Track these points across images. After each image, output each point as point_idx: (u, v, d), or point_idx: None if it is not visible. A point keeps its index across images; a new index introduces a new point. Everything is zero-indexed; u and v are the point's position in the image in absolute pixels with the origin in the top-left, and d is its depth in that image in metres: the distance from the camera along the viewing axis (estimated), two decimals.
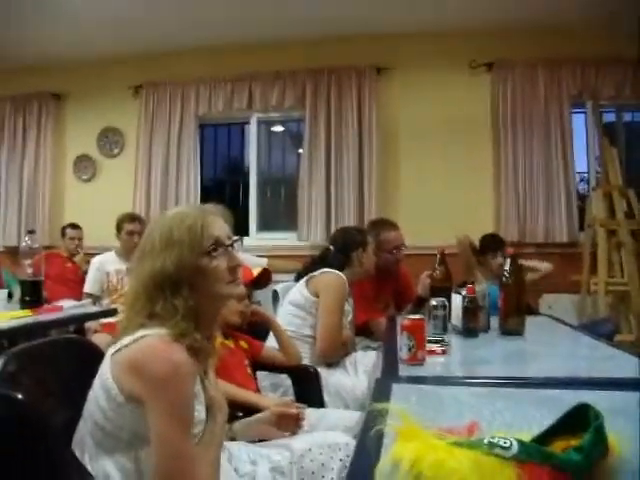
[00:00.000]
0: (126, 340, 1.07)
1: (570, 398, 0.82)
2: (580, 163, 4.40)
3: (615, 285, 3.80)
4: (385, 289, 2.97)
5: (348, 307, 2.47)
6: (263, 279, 2.10)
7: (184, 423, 1.04)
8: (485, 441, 0.74)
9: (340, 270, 2.39)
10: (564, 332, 2.23)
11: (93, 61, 4.82)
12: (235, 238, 1.23)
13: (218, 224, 1.19)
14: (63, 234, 4.39)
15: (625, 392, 1.14)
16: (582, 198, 4.44)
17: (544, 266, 3.64)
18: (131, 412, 1.05)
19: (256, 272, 2.03)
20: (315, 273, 2.37)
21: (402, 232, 2.94)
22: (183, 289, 1.11)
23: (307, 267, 2.52)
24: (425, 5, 3.98)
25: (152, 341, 1.05)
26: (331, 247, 2.57)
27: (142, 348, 1.05)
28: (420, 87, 4.46)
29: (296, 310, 2.34)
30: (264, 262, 4.03)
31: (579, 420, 0.78)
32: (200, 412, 1.12)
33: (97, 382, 1.10)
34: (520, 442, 0.73)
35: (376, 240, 2.72)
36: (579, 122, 4.45)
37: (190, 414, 1.06)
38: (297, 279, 2.49)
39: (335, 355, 2.33)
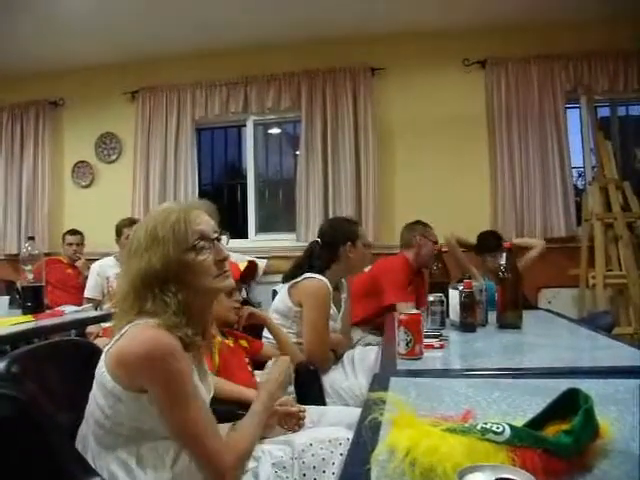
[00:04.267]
0: (117, 336, 1.11)
1: (566, 387, 0.82)
2: (576, 158, 4.41)
3: (613, 278, 3.81)
4: (419, 287, 3.06)
5: (334, 312, 2.35)
6: (250, 273, 2.11)
7: (182, 394, 1.06)
8: (478, 427, 0.75)
9: (327, 267, 2.31)
10: (562, 325, 2.25)
11: (89, 68, 4.84)
12: (220, 232, 1.24)
13: (203, 218, 1.20)
14: (63, 240, 4.43)
15: (620, 380, 1.15)
16: (579, 192, 4.46)
17: (536, 241, 3.67)
18: (127, 408, 1.07)
19: (242, 267, 2.04)
20: (298, 279, 2.26)
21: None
22: (171, 285, 1.13)
23: (293, 269, 2.37)
24: (417, 5, 3.98)
25: (135, 329, 1.09)
26: (319, 240, 2.41)
27: (125, 338, 1.09)
28: (414, 86, 4.48)
29: (281, 319, 2.27)
30: (263, 263, 4.08)
31: (570, 405, 0.80)
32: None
33: (95, 381, 1.13)
34: (512, 427, 0.74)
35: None
36: (574, 117, 4.47)
37: (186, 384, 1.08)
38: (284, 280, 2.37)
39: (323, 365, 2.24)
